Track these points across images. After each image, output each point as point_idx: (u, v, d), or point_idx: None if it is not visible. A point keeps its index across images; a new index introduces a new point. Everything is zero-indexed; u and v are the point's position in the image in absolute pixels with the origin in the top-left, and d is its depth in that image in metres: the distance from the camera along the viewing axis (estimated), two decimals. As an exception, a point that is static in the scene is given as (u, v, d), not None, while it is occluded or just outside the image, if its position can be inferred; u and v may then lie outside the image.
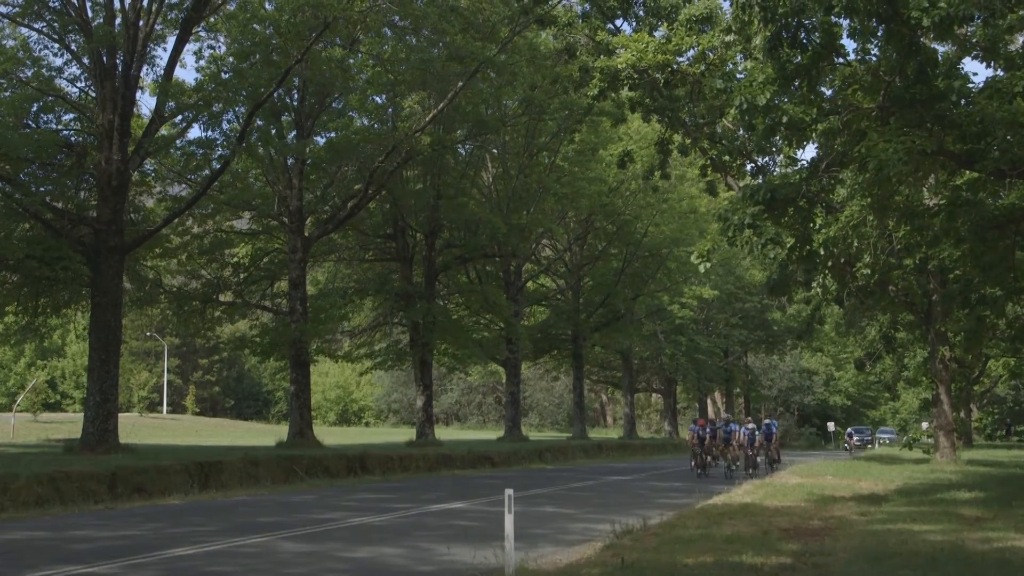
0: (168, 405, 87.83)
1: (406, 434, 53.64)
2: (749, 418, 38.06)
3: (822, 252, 19.14)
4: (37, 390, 71.57)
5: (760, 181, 22.38)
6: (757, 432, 34.33)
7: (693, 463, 33.45)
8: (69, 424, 50.48)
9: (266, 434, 50.72)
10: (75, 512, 18.33)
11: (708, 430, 33.38)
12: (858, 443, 69.97)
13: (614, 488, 26.99)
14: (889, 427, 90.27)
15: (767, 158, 28.08)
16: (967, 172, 20.23)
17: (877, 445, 71.88)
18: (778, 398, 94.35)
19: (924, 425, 50.39)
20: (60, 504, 19.17)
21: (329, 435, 45.72)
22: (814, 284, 21.47)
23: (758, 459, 34.16)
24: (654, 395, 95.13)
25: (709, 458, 33.52)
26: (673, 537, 13.94)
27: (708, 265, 21.25)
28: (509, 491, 11.79)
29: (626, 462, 43.76)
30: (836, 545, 13.40)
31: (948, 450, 34.91)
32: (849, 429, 71.11)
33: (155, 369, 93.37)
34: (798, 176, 19.60)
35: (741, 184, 27.54)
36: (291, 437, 35.45)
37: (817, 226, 19.44)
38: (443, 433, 54.78)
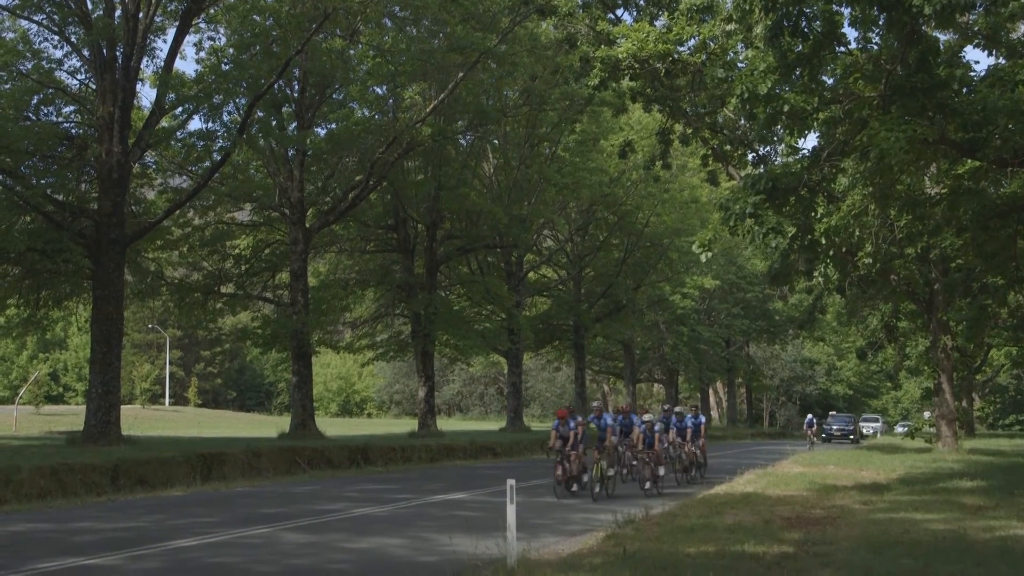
0: (170, 397, 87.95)
1: (408, 425, 53.71)
2: (646, 408, 25.59)
3: (824, 241, 19.14)
4: (39, 383, 71.74)
5: (761, 170, 22.35)
6: (659, 428, 23.47)
7: (556, 474, 20.73)
8: (71, 416, 50.51)
9: (268, 425, 50.74)
10: (78, 504, 18.36)
11: (572, 424, 21.10)
12: (837, 432, 62.37)
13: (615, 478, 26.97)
14: (874, 414, 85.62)
15: (768, 147, 28.09)
16: (969, 161, 20.20)
17: (879, 434, 70.19)
18: (780, 388, 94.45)
19: (926, 414, 50.43)
20: (63, 496, 19.21)
21: (331, 426, 45.79)
22: (816, 273, 21.43)
23: (660, 470, 22.67)
24: (656, 385, 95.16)
25: (584, 473, 21.44)
26: (675, 527, 13.95)
27: (709, 255, 21.24)
28: (511, 481, 11.80)
29: (628, 452, 43.68)
30: (838, 534, 13.41)
31: (950, 439, 34.94)
32: (809, 416, 53.97)
33: (157, 361, 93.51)
34: (799, 165, 19.58)
35: (742, 174, 27.50)
36: (293, 428, 35.47)
37: (819, 215, 19.43)
38: (445, 424, 54.81)
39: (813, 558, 11.34)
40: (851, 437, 61.90)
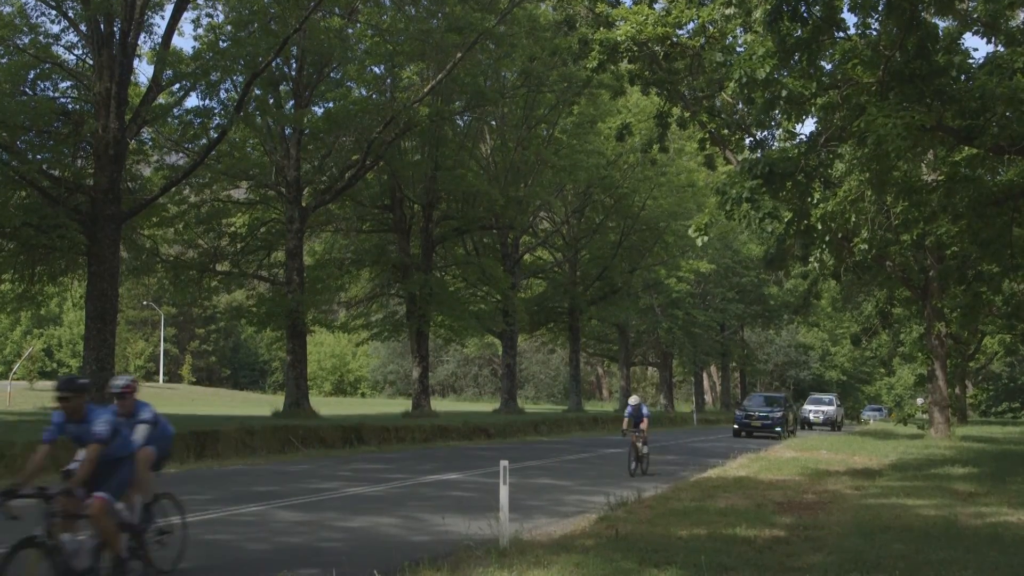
0: (164, 374, 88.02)
1: (402, 405, 53.72)
2: (128, 378, 10.24)
3: (820, 227, 19.13)
4: (33, 358, 71.72)
5: (759, 155, 22.31)
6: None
7: None
8: (65, 392, 50.46)
9: (262, 404, 50.77)
10: (71, 480, 18.33)
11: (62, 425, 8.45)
12: (758, 424, 43.09)
13: (609, 460, 27.04)
14: (826, 394, 67.13)
15: (766, 132, 27.99)
16: (966, 148, 20.20)
17: (833, 423, 56.43)
18: (774, 372, 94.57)
19: (919, 401, 50.45)
20: (56, 472, 19.17)
21: (325, 405, 45.78)
22: (811, 259, 21.41)
23: None
24: (650, 368, 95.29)
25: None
26: (667, 509, 13.99)
27: (705, 239, 21.19)
28: (504, 462, 11.82)
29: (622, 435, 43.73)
30: (830, 519, 13.46)
31: (942, 426, 35.04)
32: (633, 400, 23.36)
33: (151, 338, 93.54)
34: (797, 150, 19.54)
35: (739, 158, 27.46)
36: (287, 407, 35.51)
37: (815, 201, 19.41)
38: (439, 404, 54.84)
39: (804, 542, 11.39)
40: (777, 429, 42.32)
